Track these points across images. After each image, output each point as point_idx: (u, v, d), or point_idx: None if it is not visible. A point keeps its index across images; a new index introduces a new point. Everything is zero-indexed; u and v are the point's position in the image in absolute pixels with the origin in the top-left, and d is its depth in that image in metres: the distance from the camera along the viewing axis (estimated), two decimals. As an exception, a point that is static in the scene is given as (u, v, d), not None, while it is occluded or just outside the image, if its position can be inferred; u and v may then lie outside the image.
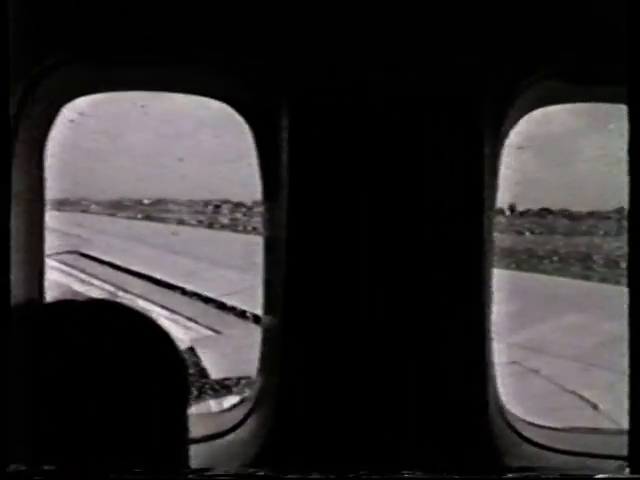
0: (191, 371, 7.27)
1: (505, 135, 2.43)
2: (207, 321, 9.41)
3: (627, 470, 1.06)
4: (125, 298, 9.89)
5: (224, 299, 9.73)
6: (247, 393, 2.66)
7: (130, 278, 10.59)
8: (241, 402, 2.62)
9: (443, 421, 2.33)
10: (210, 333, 9.15)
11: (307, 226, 2.34)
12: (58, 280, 10.02)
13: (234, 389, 6.55)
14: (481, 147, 2.32)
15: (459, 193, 2.33)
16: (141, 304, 9.73)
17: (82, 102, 2.56)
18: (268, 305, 2.51)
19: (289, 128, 2.33)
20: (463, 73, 2.30)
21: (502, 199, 2.47)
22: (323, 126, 2.33)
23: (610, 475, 1.14)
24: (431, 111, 2.31)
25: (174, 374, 1.24)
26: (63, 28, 2.32)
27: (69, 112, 2.56)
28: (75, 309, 1.24)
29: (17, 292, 2.35)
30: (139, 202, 11.07)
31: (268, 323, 2.51)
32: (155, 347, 1.22)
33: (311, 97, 2.33)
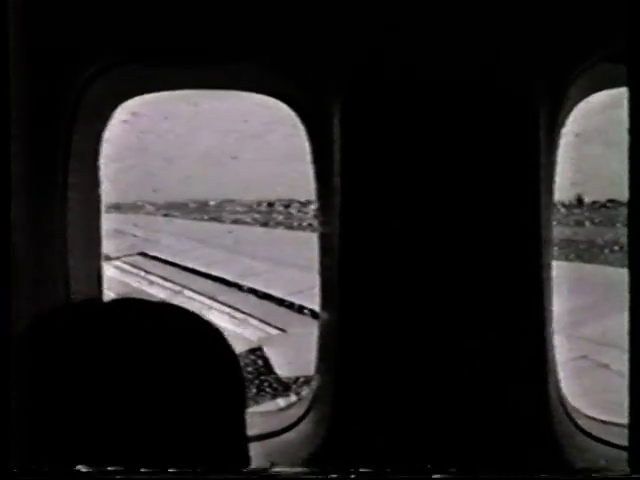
0: (260, 370, 7.31)
1: (562, 123, 2.37)
2: (274, 320, 9.43)
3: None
4: (192, 298, 9.98)
5: (290, 298, 9.74)
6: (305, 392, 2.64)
7: (196, 278, 10.67)
8: (299, 400, 2.60)
9: (503, 419, 2.28)
10: (277, 332, 9.17)
11: (360, 223, 2.31)
12: (125, 281, 10.15)
13: (299, 388, 6.55)
14: (537, 135, 2.26)
15: (515, 184, 2.28)
16: (208, 304, 9.81)
17: (134, 102, 2.56)
18: (325, 303, 2.49)
19: (341, 125, 2.30)
20: (515, 59, 2.24)
21: (569, 191, 2.41)
22: (375, 122, 2.29)
23: (609, 474, 1.13)
24: (485, 103, 2.26)
25: (228, 374, 1.21)
26: (113, 29, 2.31)
27: (122, 113, 2.56)
28: (135, 309, 1.22)
29: (75, 292, 2.37)
30: (204, 204, 11.15)
31: (325, 320, 2.48)
32: (208, 347, 1.19)
33: (363, 94, 2.29)
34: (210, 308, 9.63)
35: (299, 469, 1.97)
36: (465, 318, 2.29)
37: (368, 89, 2.29)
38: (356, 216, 2.31)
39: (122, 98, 2.55)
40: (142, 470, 1.00)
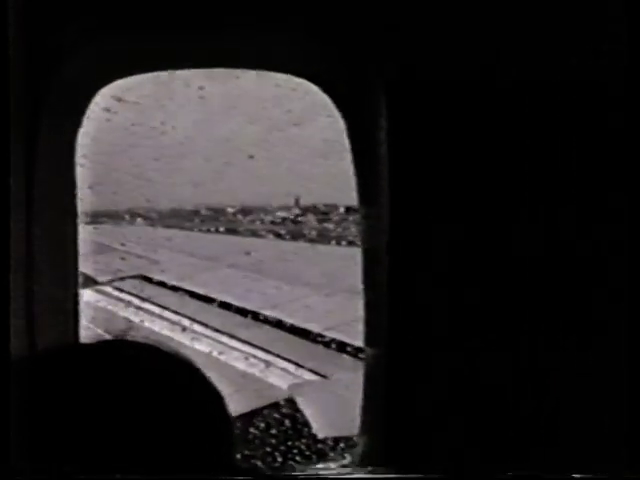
0: (292, 429, 7.35)
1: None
2: (310, 363, 9.42)
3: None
4: (202, 334, 10.03)
5: (329, 334, 9.74)
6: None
7: (208, 308, 10.71)
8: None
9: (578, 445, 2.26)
10: (314, 377, 9.16)
11: (414, 234, 2.31)
12: (117, 312, 10.25)
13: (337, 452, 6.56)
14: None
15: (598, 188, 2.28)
16: (224, 341, 9.86)
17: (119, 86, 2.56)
18: (370, 338, 2.50)
19: (387, 116, 2.30)
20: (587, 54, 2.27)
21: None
22: (430, 115, 2.30)
23: (608, 475, 1.24)
24: (555, 96, 2.28)
25: (210, 414, 1.33)
26: None
27: (103, 99, 2.57)
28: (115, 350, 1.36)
29: (41, 324, 2.39)
30: (219, 211, 11.23)
31: (371, 362, 2.48)
32: (187, 384, 1.33)
33: (414, 78, 2.30)
34: (227, 347, 9.69)
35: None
36: (554, 356, 2.29)
37: (424, 73, 2.29)
38: (408, 226, 2.32)
39: (104, 79, 2.55)
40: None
